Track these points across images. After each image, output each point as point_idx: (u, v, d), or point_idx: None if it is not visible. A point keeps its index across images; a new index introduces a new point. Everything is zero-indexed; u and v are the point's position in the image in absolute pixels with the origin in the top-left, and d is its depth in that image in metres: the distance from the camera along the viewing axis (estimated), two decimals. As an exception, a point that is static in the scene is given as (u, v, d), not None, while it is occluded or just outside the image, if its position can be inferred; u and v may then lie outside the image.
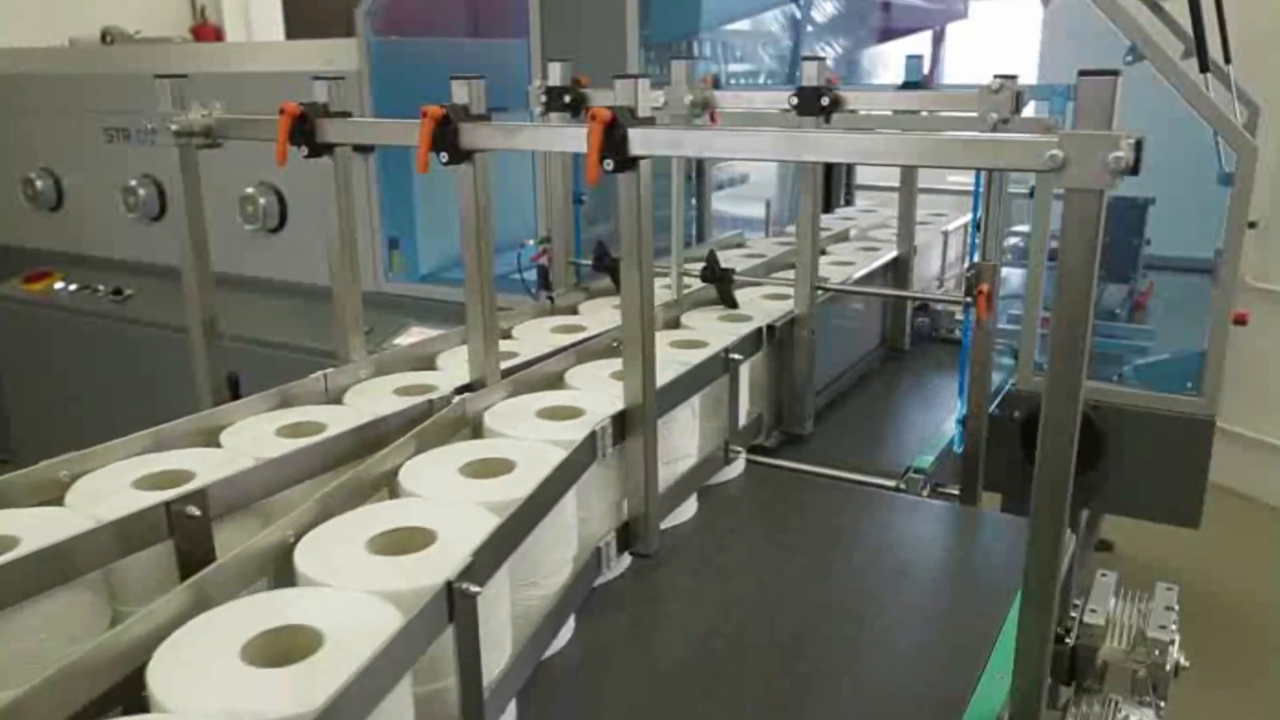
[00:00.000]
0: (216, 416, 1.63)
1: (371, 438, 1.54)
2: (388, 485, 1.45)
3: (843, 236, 3.08)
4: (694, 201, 2.93)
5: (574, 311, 2.37)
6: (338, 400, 1.79)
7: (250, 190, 3.34)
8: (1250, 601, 3.75)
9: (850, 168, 3.77)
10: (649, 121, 1.44)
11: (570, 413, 1.67)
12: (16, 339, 4.00)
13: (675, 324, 2.22)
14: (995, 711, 1.29)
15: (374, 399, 1.76)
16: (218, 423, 1.61)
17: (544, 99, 2.31)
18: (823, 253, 2.67)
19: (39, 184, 3.93)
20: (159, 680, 0.99)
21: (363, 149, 1.85)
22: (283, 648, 1.05)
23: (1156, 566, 3.73)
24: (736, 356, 1.91)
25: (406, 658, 1.03)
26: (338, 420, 1.62)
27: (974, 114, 1.93)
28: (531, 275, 2.69)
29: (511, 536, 1.26)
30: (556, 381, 1.84)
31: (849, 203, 3.81)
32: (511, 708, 1.28)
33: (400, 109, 1.71)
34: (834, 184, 3.70)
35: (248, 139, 1.82)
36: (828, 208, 3.62)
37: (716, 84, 2.47)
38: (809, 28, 3.81)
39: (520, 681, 1.31)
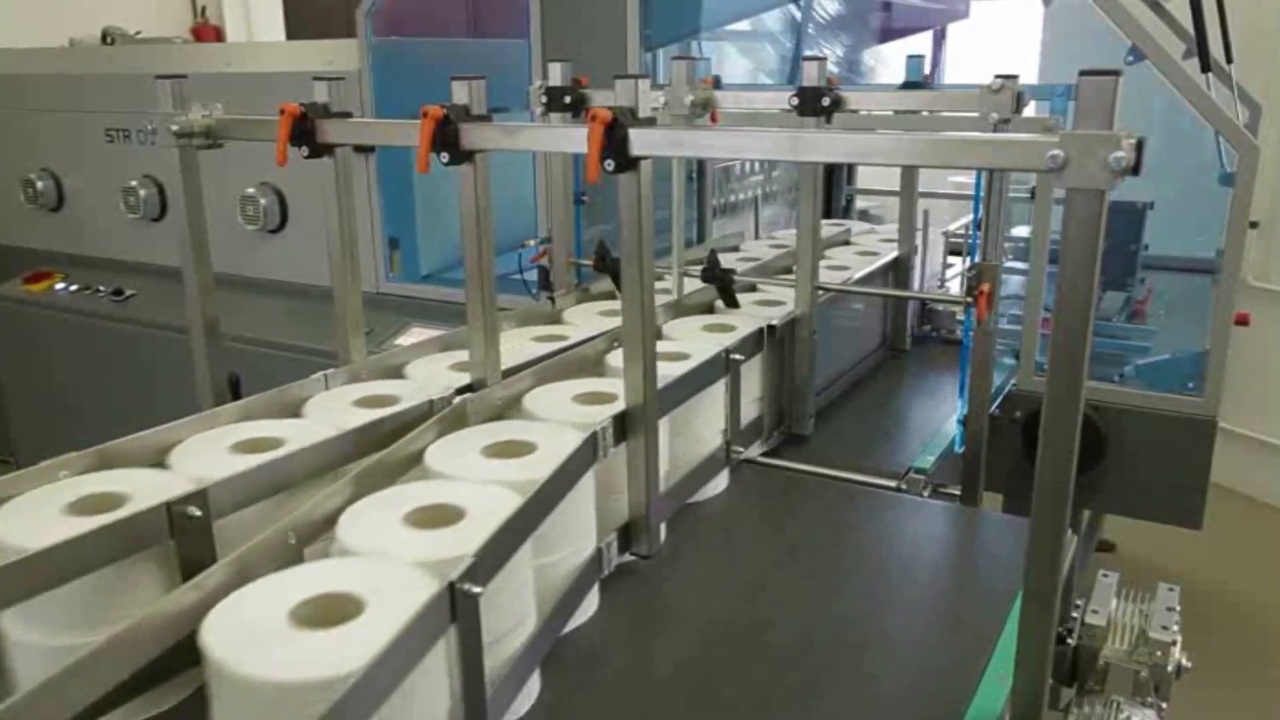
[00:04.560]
0: (216, 416, 1.62)
1: (373, 438, 1.54)
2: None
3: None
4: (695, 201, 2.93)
5: (558, 320, 2.25)
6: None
7: (250, 190, 3.34)
8: (1252, 601, 3.75)
9: (849, 171, 3.77)
10: (649, 122, 1.44)
11: (522, 449, 1.52)
12: (16, 339, 3.99)
13: (656, 335, 2.13)
14: (996, 712, 1.28)
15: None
16: (217, 423, 1.61)
17: (544, 99, 2.30)
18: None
19: (39, 184, 3.93)
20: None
21: (363, 149, 1.85)
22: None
23: (1158, 567, 3.73)
24: (737, 357, 1.91)
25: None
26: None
27: (975, 114, 1.93)
28: (532, 275, 2.69)
29: (510, 539, 1.25)
30: (514, 404, 1.71)
31: (848, 207, 3.79)
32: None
33: (400, 109, 1.70)
34: (834, 188, 3.69)
35: (248, 139, 1.82)
36: (827, 212, 3.61)
37: (716, 84, 2.46)
38: (809, 28, 3.81)
39: (518, 685, 1.30)
